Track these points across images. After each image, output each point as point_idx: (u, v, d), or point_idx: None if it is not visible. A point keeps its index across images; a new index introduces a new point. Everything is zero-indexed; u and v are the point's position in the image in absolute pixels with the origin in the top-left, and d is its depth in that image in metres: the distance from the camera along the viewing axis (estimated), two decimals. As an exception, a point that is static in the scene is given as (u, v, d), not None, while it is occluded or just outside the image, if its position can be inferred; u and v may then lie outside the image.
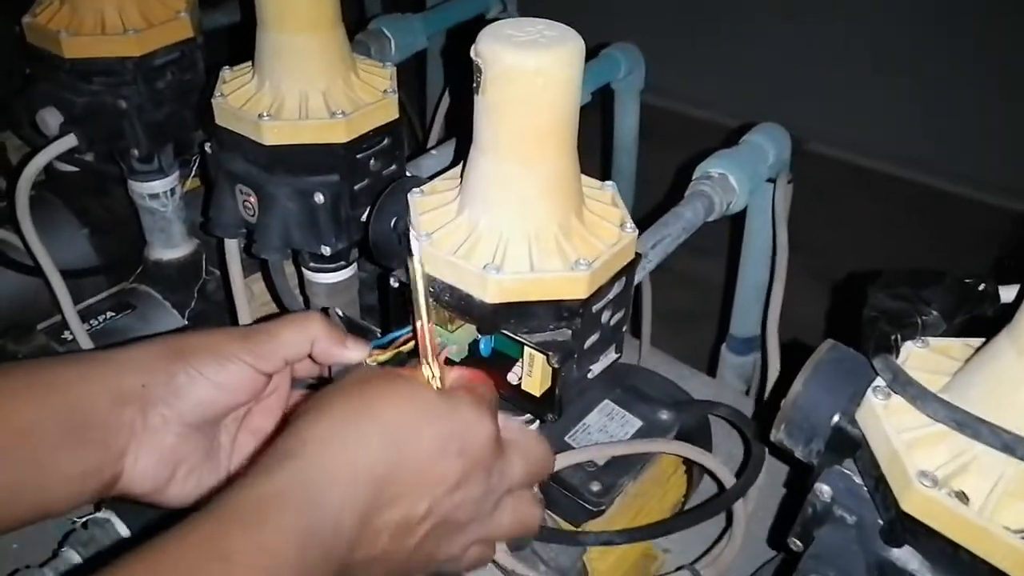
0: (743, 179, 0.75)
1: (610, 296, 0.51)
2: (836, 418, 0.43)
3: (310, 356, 0.50)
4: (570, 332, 0.50)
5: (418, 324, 0.46)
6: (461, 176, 0.52)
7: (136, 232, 0.88)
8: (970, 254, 2.05)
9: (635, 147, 1.04)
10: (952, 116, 2.36)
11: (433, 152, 0.79)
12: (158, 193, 0.82)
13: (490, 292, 0.47)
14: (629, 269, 0.52)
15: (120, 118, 0.75)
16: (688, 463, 0.78)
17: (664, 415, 0.72)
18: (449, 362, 0.50)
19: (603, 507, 0.65)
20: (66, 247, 0.92)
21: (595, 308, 0.50)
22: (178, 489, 0.48)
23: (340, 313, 0.53)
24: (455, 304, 0.49)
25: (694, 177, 0.76)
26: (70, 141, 0.74)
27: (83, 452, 0.44)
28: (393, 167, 0.67)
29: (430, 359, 0.45)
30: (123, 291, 0.88)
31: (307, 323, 0.49)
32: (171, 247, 0.87)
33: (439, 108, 1.09)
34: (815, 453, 0.44)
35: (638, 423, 0.71)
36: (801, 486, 0.45)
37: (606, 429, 0.70)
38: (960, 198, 2.40)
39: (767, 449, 0.73)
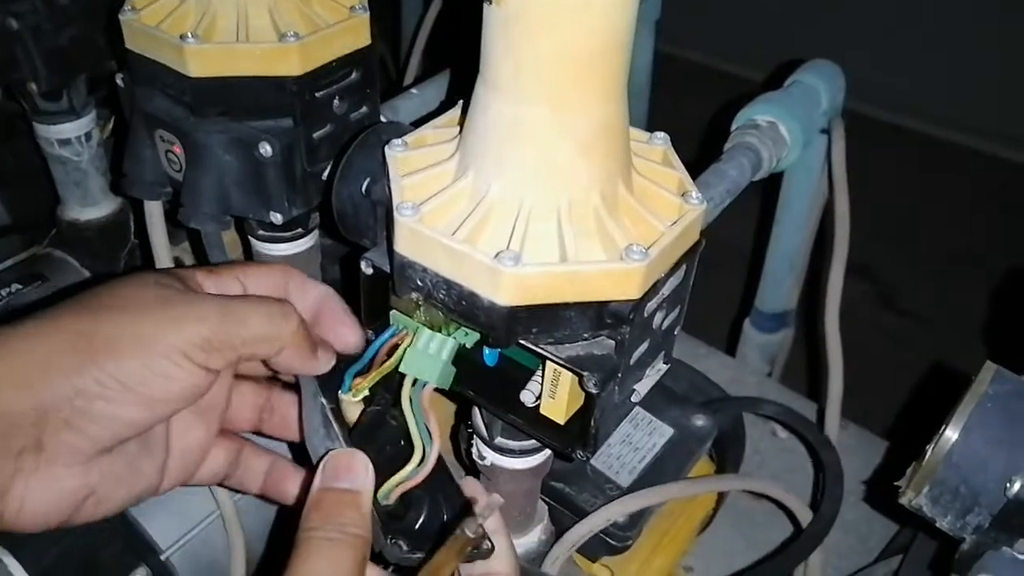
0: (796, 129, 0.61)
1: (666, 292, 0.37)
2: (1017, 485, 0.30)
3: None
4: (613, 343, 0.36)
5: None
6: (461, 123, 0.37)
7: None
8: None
9: (648, 90, 0.89)
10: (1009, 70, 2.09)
11: (414, 91, 0.63)
12: (69, 139, 0.67)
13: (504, 291, 0.33)
14: (692, 254, 0.38)
15: (11, 42, 0.59)
16: (720, 466, 0.66)
17: (700, 420, 0.59)
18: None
19: (629, 542, 0.53)
20: (-32, 201, 0.78)
21: (648, 310, 0.36)
22: (86, 516, 0.35)
23: None
24: (454, 306, 0.35)
25: (735, 126, 0.62)
26: (-57, 71, 0.59)
27: None
28: (364, 109, 0.53)
29: None
30: (33, 258, 0.72)
31: (284, 321, 0.36)
32: (90, 205, 0.72)
33: (418, 37, 0.92)
34: (973, 528, 0.31)
35: (669, 431, 0.58)
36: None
37: (630, 440, 0.57)
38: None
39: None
